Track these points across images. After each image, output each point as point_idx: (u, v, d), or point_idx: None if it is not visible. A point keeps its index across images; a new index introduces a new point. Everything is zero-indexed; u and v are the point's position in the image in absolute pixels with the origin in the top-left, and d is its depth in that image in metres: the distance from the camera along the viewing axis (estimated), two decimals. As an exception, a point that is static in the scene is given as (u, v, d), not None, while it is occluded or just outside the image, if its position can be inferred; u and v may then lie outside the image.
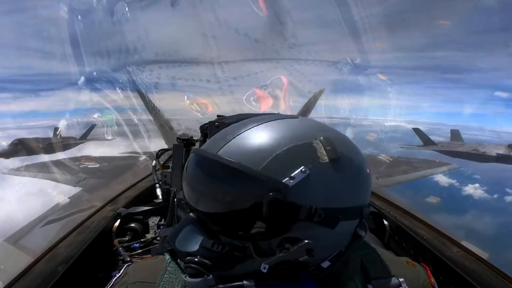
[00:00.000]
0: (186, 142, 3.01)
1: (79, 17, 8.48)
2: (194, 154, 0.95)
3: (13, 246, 2.61)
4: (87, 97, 8.91)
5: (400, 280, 0.98)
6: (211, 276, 0.84)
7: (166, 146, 3.84)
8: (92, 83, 9.01)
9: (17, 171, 7.86)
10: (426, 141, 12.76)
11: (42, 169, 7.38)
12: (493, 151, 12.14)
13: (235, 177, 0.83)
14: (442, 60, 8.21)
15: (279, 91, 10.23)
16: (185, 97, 10.16)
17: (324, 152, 0.85)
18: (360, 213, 0.91)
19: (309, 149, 0.86)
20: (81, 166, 7.60)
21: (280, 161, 0.83)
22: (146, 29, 9.44)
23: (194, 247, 0.86)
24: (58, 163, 7.50)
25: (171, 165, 3.09)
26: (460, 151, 12.91)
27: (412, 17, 8.04)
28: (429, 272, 1.11)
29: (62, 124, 9.08)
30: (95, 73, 9.20)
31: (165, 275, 1.00)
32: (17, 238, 2.76)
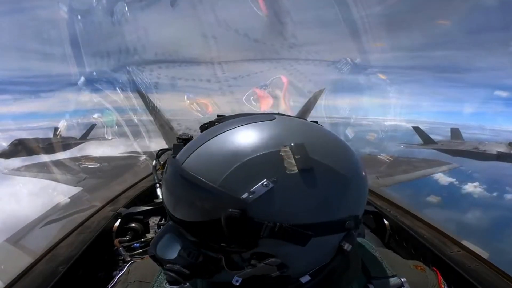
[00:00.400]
0: (186, 142, 3.00)
1: (79, 17, 8.48)
2: (169, 161, 0.91)
3: (13, 246, 2.61)
4: (87, 97, 8.92)
5: (402, 280, 0.94)
6: (187, 284, 0.85)
7: (166, 146, 3.84)
8: (92, 83, 9.01)
9: (17, 171, 7.87)
10: (426, 139, 12.77)
11: (43, 169, 7.39)
12: (494, 149, 12.11)
13: (197, 190, 0.78)
14: (441, 60, 8.23)
15: (279, 91, 10.23)
16: (185, 97, 10.16)
17: (292, 161, 0.76)
18: (341, 227, 0.81)
19: (274, 159, 0.77)
20: (82, 166, 7.61)
21: (239, 174, 0.76)
22: (146, 29, 9.45)
23: (173, 254, 0.85)
24: (58, 163, 7.51)
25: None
26: (461, 149, 12.89)
27: (412, 16, 8.05)
28: (439, 276, 1.05)
29: (62, 124, 9.10)
30: (95, 73, 9.20)
31: (160, 276, 0.99)
32: (17, 238, 2.76)
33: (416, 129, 11.65)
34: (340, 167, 0.80)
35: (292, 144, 0.78)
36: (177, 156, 0.86)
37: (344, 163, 0.82)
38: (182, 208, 0.84)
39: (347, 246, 0.82)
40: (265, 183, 0.74)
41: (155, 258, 0.87)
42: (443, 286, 1.04)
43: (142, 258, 1.14)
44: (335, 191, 0.80)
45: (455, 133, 13.58)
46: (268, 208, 0.75)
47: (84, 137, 10.05)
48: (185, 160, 0.82)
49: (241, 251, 0.79)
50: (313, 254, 0.82)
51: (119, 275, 1.05)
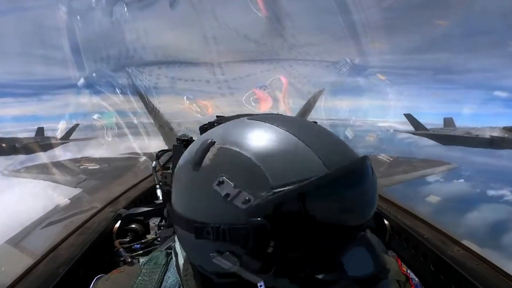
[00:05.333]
0: (186, 143, 3.01)
1: (78, 17, 8.48)
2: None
3: (14, 247, 2.60)
4: (86, 99, 8.91)
5: None
6: None
7: (166, 147, 3.84)
8: (91, 84, 9.00)
9: (17, 172, 7.86)
10: (417, 126, 12.44)
11: (43, 171, 7.38)
12: (487, 134, 11.73)
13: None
14: (439, 61, 8.23)
15: (278, 91, 10.23)
16: (185, 97, 10.15)
17: None
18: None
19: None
20: (82, 167, 7.60)
21: None
22: (145, 30, 9.44)
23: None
24: (58, 165, 7.50)
25: (171, 166, 3.09)
26: (452, 135, 12.56)
27: (411, 18, 8.05)
28: (399, 261, 1.10)
29: (61, 125, 9.09)
30: (94, 75, 9.19)
31: (139, 277, 0.99)
32: (18, 239, 2.76)
33: (408, 116, 11.40)
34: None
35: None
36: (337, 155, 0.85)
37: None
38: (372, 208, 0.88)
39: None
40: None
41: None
42: (404, 269, 1.07)
43: (108, 273, 1.14)
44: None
45: (448, 121, 13.35)
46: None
47: (67, 137, 9.80)
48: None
49: None
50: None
51: None
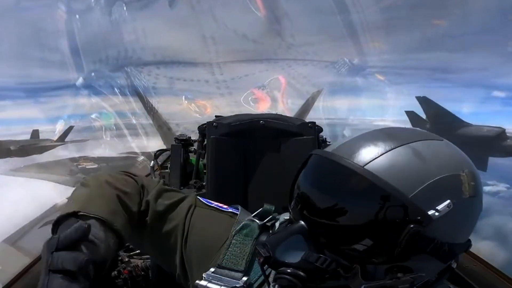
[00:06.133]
0: (184, 143, 3.00)
1: (77, 16, 8.47)
2: (325, 157, 0.88)
3: (11, 246, 2.61)
4: (85, 99, 8.91)
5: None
6: None
7: (164, 147, 3.84)
8: (89, 84, 9.00)
9: (15, 172, 7.84)
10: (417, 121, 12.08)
11: (40, 170, 7.37)
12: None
13: (375, 195, 0.78)
14: (437, 60, 8.24)
15: (277, 91, 10.23)
16: (183, 97, 10.15)
17: (467, 187, 0.81)
18: (468, 247, 0.89)
19: (456, 182, 0.81)
20: (80, 166, 7.60)
21: (430, 191, 0.79)
22: (144, 30, 9.44)
23: (296, 258, 0.82)
24: (56, 164, 7.49)
25: (169, 165, 3.08)
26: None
27: (409, 17, 8.07)
28: None
29: (59, 126, 9.05)
30: (93, 74, 9.19)
31: (230, 249, 0.98)
32: (15, 239, 2.76)
33: (410, 113, 11.16)
34: (482, 196, 0.87)
35: (467, 170, 0.83)
36: (342, 152, 0.84)
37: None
38: (338, 211, 0.82)
39: (454, 264, 0.88)
40: (449, 204, 0.78)
41: (267, 260, 0.83)
42: None
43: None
44: (478, 215, 0.87)
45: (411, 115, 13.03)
46: (442, 227, 0.79)
47: (62, 139, 9.71)
48: (368, 163, 0.81)
49: (394, 262, 0.79)
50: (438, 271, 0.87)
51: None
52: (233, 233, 0.99)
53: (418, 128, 1.00)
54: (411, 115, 11.10)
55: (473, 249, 2.20)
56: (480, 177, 0.87)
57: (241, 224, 1.01)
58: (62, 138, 9.51)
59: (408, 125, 11.49)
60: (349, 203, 0.81)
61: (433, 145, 0.87)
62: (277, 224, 1.03)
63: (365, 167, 0.80)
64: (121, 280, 2.15)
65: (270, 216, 1.03)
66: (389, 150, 0.82)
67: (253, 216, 1.04)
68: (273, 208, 1.06)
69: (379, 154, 0.82)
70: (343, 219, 0.81)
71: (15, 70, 7.92)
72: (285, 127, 2.02)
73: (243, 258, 0.95)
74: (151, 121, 9.63)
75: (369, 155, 0.82)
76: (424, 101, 9.28)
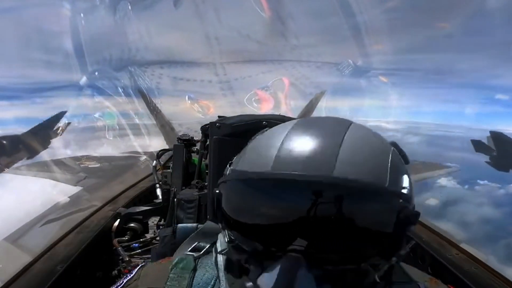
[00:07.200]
0: (186, 143, 3.01)
1: (81, 15, 8.49)
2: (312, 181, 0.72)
3: (12, 245, 2.61)
4: (88, 98, 8.92)
5: (421, 286, 0.90)
6: None
7: (167, 146, 3.85)
8: (93, 83, 9.01)
9: (16, 170, 7.86)
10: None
11: (42, 168, 7.37)
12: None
13: (363, 198, 0.72)
14: (441, 62, 8.20)
15: (280, 92, 10.23)
16: (187, 98, 10.17)
17: (401, 157, 0.85)
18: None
19: (396, 155, 0.82)
20: (82, 165, 7.60)
21: (394, 172, 0.76)
22: (148, 30, 9.46)
23: None
24: (58, 162, 7.49)
25: (171, 165, 3.09)
26: None
27: (414, 19, 8.04)
28: None
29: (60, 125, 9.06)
30: (96, 73, 9.21)
31: (168, 283, 0.93)
32: (16, 237, 2.77)
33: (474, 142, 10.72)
34: None
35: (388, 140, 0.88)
36: (301, 168, 0.72)
37: None
38: (336, 229, 0.73)
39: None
40: (408, 177, 0.81)
41: None
42: None
43: (141, 259, 1.12)
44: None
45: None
46: (412, 198, 0.82)
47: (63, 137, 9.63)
48: (333, 170, 0.71)
49: (402, 248, 0.79)
50: None
51: (128, 278, 0.99)
52: (169, 268, 0.97)
53: (324, 115, 1.01)
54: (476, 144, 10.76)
55: (472, 251, 2.20)
56: None
57: (176, 258, 1.00)
58: (63, 137, 9.53)
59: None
60: (345, 218, 0.73)
61: (359, 130, 0.84)
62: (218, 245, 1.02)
63: (332, 174, 0.71)
64: (121, 279, 2.15)
65: (208, 246, 1.04)
66: (341, 145, 0.75)
67: (190, 250, 1.06)
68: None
69: (337, 153, 0.73)
70: (346, 234, 0.74)
71: (17, 69, 7.94)
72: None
73: None
74: (153, 121, 9.64)
75: (329, 158, 0.73)
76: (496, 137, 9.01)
